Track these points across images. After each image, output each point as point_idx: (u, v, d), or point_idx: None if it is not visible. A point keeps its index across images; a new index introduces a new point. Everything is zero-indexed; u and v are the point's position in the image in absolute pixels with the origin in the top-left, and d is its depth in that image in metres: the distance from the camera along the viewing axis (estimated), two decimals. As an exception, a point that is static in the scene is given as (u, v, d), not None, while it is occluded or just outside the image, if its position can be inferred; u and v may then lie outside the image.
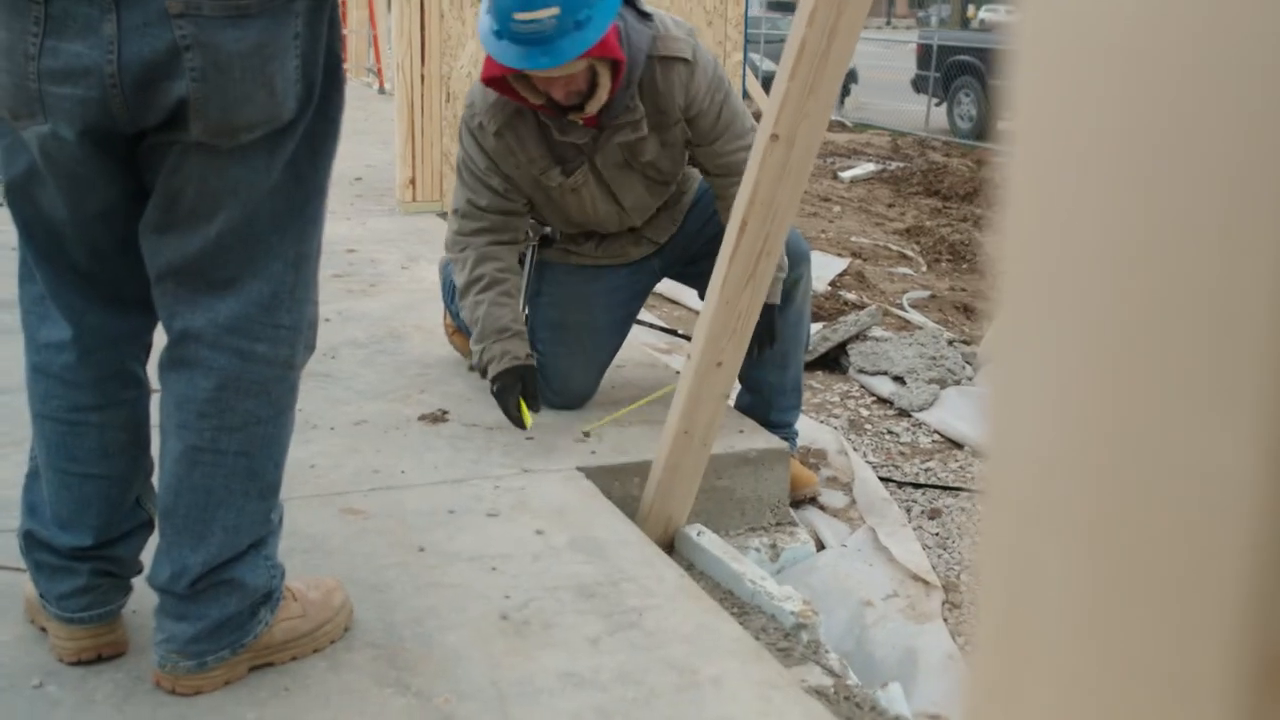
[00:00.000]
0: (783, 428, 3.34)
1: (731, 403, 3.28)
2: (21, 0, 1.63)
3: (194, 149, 1.73)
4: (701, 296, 3.67)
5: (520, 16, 2.68)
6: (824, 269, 6.13)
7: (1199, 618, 0.31)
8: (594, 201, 3.14)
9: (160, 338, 1.92)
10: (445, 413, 3.26)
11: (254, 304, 1.81)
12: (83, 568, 1.93)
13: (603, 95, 2.87)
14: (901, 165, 10.72)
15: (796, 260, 3.16)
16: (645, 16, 2.98)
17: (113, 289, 1.90)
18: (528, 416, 2.92)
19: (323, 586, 2.12)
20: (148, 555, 1.98)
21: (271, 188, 1.78)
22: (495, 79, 2.91)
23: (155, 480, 1.96)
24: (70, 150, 1.72)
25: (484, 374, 3.03)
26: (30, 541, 1.96)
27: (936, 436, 4.01)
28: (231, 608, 1.90)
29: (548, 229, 3.33)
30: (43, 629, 2.03)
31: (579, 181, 3.08)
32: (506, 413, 2.97)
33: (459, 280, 3.12)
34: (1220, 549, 0.30)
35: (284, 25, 1.70)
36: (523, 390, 2.97)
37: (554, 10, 2.67)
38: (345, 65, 1.87)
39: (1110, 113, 0.34)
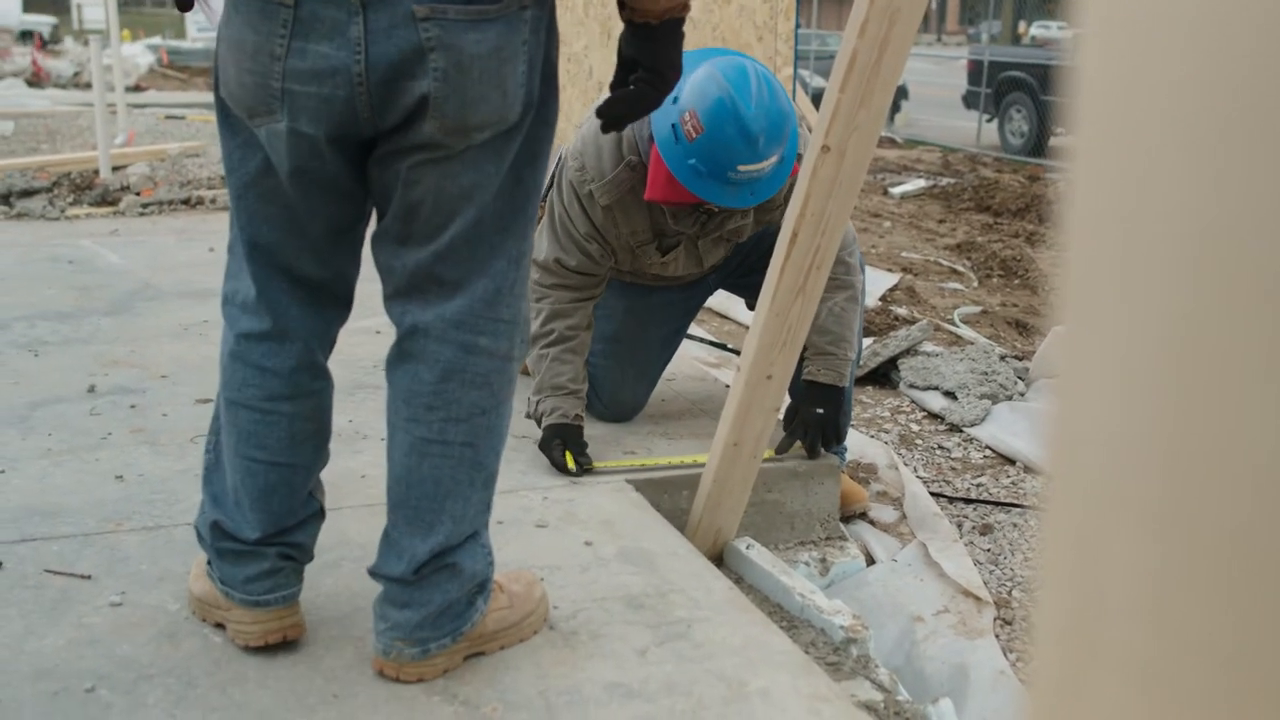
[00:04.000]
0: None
1: (780, 416, 3.26)
2: (271, 4, 1.74)
3: (428, 162, 1.83)
4: (750, 307, 3.67)
5: (745, 168, 2.75)
6: (875, 284, 6.10)
7: (1263, 598, 0.30)
8: (678, 266, 3.21)
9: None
10: (495, 424, 3.27)
11: (479, 300, 1.91)
12: (268, 552, 2.03)
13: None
14: (952, 181, 10.65)
15: (853, 270, 3.14)
16: None
17: (317, 285, 2.01)
18: (570, 461, 2.94)
19: (523, 579, 2.20)
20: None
21: (497, 191, 1.87)
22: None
23: (380, 474, 2.04)
24: (306, 148, 1.82)
25: (538, 423, 3.07)
26: (217, 531, 2.06)
27: (988, 452, 3.97)
28: (453, 593, 1.97)
29: None
30: (218, 624, 2.11)
31: (673, 256, 3.15)
32: (551, 461, 3.00)
33: (532, 328, 3.15)
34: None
35: (515, 30, 1.78)
36: (564, 447, 2.99)
37: (774, 159, 2.76)
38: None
39: (1176, 109, 0.33)
